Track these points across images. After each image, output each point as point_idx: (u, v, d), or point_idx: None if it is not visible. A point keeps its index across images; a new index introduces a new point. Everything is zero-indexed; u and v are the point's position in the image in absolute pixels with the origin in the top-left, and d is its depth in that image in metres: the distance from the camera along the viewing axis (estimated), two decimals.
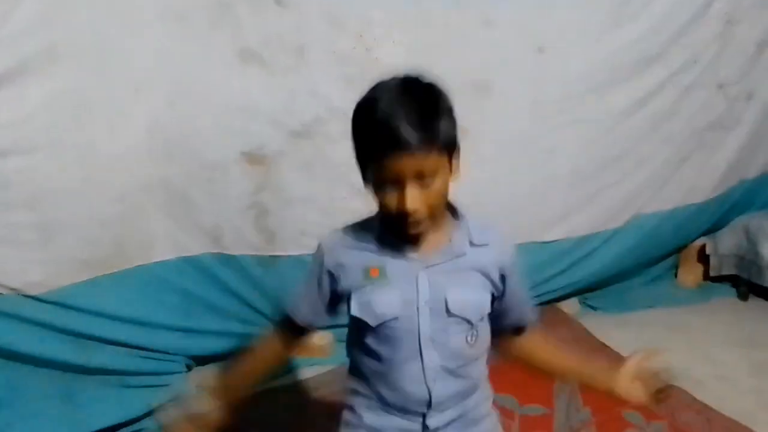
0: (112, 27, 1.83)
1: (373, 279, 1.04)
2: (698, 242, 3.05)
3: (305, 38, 2.06)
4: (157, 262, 2.14)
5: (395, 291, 1.03)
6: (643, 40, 2.34)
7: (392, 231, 1.04)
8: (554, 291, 2.70)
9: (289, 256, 2.31)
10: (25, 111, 1.75)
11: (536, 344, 1.20)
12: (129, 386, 2.11)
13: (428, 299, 1.03)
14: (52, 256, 1.90)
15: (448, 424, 1.11)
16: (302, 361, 2.45)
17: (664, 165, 2.63)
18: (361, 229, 1.09)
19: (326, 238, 1.11)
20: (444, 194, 1.00)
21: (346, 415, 1.19)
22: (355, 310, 1.06)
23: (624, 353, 2.39)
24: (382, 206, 0.99)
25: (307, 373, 2.40)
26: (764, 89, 2.69)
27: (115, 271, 2.05)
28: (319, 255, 1.10)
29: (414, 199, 0.95)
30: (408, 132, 0.91)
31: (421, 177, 0.94)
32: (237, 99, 2.04)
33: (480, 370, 1.15)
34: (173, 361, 2.21)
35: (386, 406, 1.10)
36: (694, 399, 2.20)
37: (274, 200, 2.19)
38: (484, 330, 1.11)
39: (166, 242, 2.13)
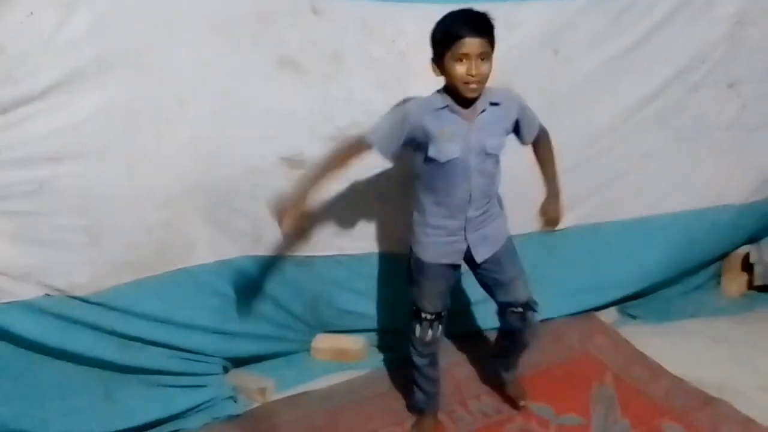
0: (159, 39, 1.89)
1: (443, 135, 1.72)
2: (742, 250, 2.96)
3: (341, 45, 2.10)
4: (196, 266, 2.18)
5: (456, 143, 1.73)
6: (649, 40, 2.37)
7: (455, 98, 1.70)
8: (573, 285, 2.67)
9: (325, 256, 2.34)
10: (76, 119, 1.81)
11: (539, 152, 1.97)
12: (167, 386, 2.16)
13: (474, 146, 1.74)
14: (97, 259, 1.96)
15: (478, 216, 1.85)
16: (336, 365, 2.47)
17: (675, 161, 2.63)
18: (433, 101, 1.73)
19: (412, 103, 1.76)
20: (489, 73, 1.67)
21: (415, 229, 1.92)
22: (432, 153, 1.74)
23: (664, 364, 2.38)
24: (454, 77, 1.65)
25: (340, 377, 2.42)
26: None
27: (158, 273, 2.10)
28: (407, 112, 1.74)
29: (478, 68, 1.62)
30: (476, 28, 1.62)
31: (481, 56, 1.62)
32: (276, 106, 2.08)
33: (496, 183, 1.87)
34: (210, 363, 2.25)
35: (444, 211, 1.83)
36: (737, 411, 2.14)
37: (311, 203, 2.23)
38: (500, 159, 1.82)
39: (206, 246, 2.18)
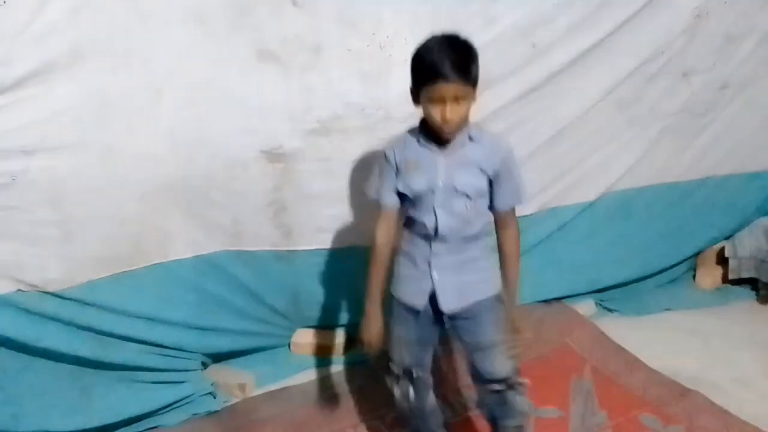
0: (134, 28, 1.86)
1: (409, 166, 1.62)
2: (717, 245, 3.02)
3: (321, 38, 2.08)
4: (174, 260, 2.16)
5: (422, 175, 1.61)
6: (617, 33, 2.42)
7: (431, 136, 1.59)
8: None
9: (306, 251, 2.33)
10: (50, 110, 1.78)
11: (505, 241, 1.69)
12: (144, 382, 2.14)
13: (443, 181, 1.60)
14: (72, 254, 1.93)
15: (450, 257, 1.66)
16: (316, 360, 2.47)
17: (629, 145, 2.72)
18: (409, 133, 1.65)
19: (392, 143, 1.67)
20: (468, 113, 1.54)
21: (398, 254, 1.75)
22: (400, 186, 1.64)
23: (641, 356, 2.41)
24: (429, 118, 1.53)
25: (321, 372, 2.41)
26: (738, 80, 2.76)
27: (134, 268, 2.07)
28: (385, 152, 1.66)
29: (452, 112, 1.49)
30: (453, 70, 1.46)
31: (456, 99, 1.48)
32: (255, 98, 2.07)
33: (476, 228, 1.65)
34: (189, 359, 2.24)
35: (412, 238, 1.69)
36: (712, 403, 2.17)
37: (292, 197, 2.22)
38: (482, 205, 1.65)
39: (183, 240, 2.16)
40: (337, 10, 2.07)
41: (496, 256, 1.69)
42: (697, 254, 3.05)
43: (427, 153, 1.60)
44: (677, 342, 2.58)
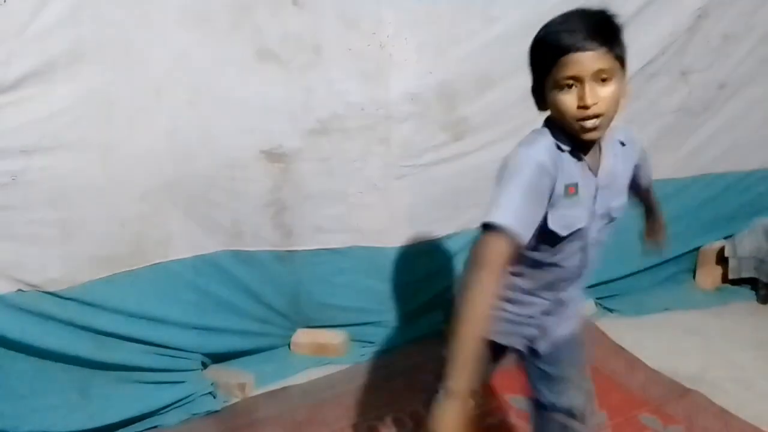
0: (135, 28, 1.86)
1: (570, 196, 1.18)
2: (717, 244, 3.02)
3: (321, 37, 2.08)
4: (173, 260, 2.16)
5: (583, 206, 1.20)
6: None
7: (567, 138, 1.17)
8: None
9: (305, 251, 2.33)
10: (50, 110, 1.78)
11: (648, 196, 1.59)
12: (144, 382, 2.13)
13: (599, 208, 1.23)
14: (72, 253, 1.93)
15: (568, 297, 1.35)
16: (316, 360, 2.46)
17: None
18: (550, 145, 1.17)
19: (539, 148, 1.16)
20: (617, 100, 1.12)
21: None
22: (552, 223, 1.18)
23: (640, 356, 2.41)
24: (562, 113, 1.12)
25: (321, 372, 2.41)
26: (735, 79, 2.77)
27: (133, 268, 2.07)
28: (539, 163, 1.14)
29: (594, 93, 1.08)
30: (585, 33, 1.07)
31: (598, 76, 1.08)
32: (255, 98, 2.07)
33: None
34: (188, 359, 2.23)
35: (529, 285, 1.31)
36: (712, 403, 2.17)
37: (292, 197, 2.22)
38: None
39: (183, 240, 2.16)
40: (338, 10, 2.07)
41: None
42: (693, 251, 3.06)
43: (583, 171, 1.19)
44: (677, 342, 2.58)
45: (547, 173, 1.13)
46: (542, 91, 1.15)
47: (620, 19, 1.12)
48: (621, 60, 1.11)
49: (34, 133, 1.77)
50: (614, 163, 1.24)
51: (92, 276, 1.99)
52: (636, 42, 2.46)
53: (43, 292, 1.91)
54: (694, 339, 2.60)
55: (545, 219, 1.17)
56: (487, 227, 1.10)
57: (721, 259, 3.01)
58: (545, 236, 1.20)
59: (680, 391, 2.24)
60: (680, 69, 2.64)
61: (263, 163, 2.13)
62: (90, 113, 1.84)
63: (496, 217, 1.09)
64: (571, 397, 1.41)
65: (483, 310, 1.09)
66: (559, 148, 1.16)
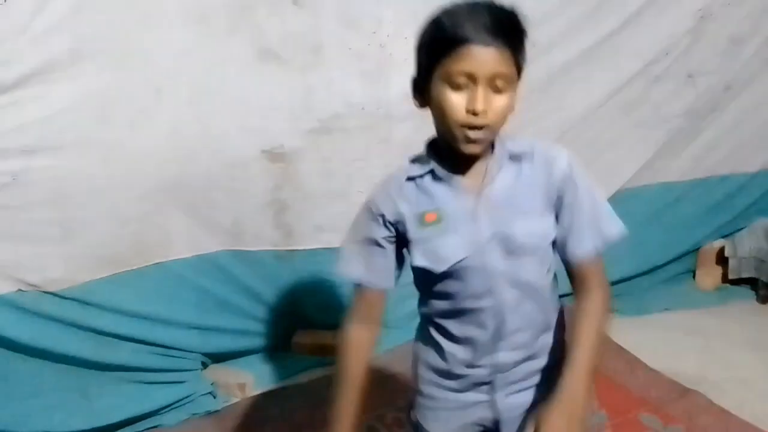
0: (135, 28, 1.86)
1: (431, 225, 1.01)
2: (717, 244, 3.01)
3: (321, 37, 2.08)
4: (174, 260, 2.16)
5: (456, 233, 1.00)
6: (620, 33, 2.42)
7: (446, 156, 1.00)
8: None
9: (306, 250, 2.33)
10: (50, 110, 1.78)
11: (585, 312, 1.03)
12: (145, 382, 2.13)
13: (491, 233, 1.00)
14: (72, 253, 1.93)
15: (518, 361, 1.08)
16: (316, 360, 2.46)
17: (633, 148, 2.72)
18: (407, 170, 1.04)
19: (376, 190, 1.07)
20: (507, 114, 0.96)
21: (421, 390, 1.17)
22: (418, 260, 1.03)
23: (641, 356, 2.41)
24: (444, 114, 0.94)
25: (321, 372, 2.41)
26: (740, 81, 2.76)
27: (134, 268, 2.08)
28: (368, 204, 1.06)
29: (487, 101, 0.91)
30: (492, 27, 0.90)
31: (493, 82, 0.92)
32: (256, 98, 2.07)
33: (555, 303, 1.11)
34: (188, 358, 2.24)
35: (456, 351, 1.08)
36: (712, 403, 2.17)
37: (293, 196, 2.22)
38: (549, 258, 1.06)
39: (183, 240, 2.16)
40: (338, 9, 2.07)
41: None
42: (693, 251, 3.06)
43: (450, 192, 1.01)
44: (677, 342, 2.58)
45: (374, 213, 1.04)
46: (426, 84, 0.96)
47: (524, 25, 0.97)
48: (519, 69, 0.96)
49: (34, 133, 1.77)
50: (507, 179, 1.01)
51: (92, 276, 1.99)
52: (636, 42, 2.47)
53: (43, 291, 1.92)
54: (694, 339, 2.60)
55: (412, 258, 1.04)
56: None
57: (721, 259, 3.00)
58: (428, 278, 1.04)
59: (680, 391, 2.24)
60: (686, 72, 2.63)
61: (264, 163, 2.13)
62: (90, 113, 1.84)
63: (340, 268, 1.09)
64: None
65: (352, 366, 1.10)
66: (410, 178, 1.03)
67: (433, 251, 1.01)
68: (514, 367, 1.08)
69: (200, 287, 2.23)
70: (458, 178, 1.01)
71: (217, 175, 2.11)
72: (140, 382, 2.13)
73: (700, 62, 2.63)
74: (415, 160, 1.06)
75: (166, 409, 2.15)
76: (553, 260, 1.07)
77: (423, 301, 1.12)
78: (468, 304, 1.04)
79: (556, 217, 1.04)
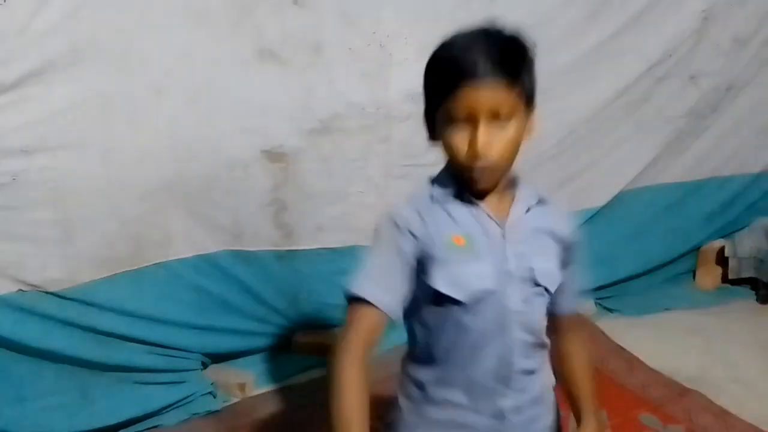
0: (134, 28, 1.86)
1: (458, 248, 0.95)
2: (717, 244, 3.02)
3: (322, 36, 2.08)
4: (174, 260, 2.16)
5: (486, 262, 0.95)
6: (622, 34, 2.43)
7: (465, 181, 0.96)
8: None
9: (306, 251, 2.33)
10: (50, 110, 1.78)
11: (570, 346, 1.13)
12: (145, 383, 2.13)
13: (516, 269, 0.97)
14: (72, 254, 1.93)
15: (520, 405, 1.02)
16: (316, 360, 2.46)
17: (637, 149, 2.73)
18: (431, 190, 1.00)
19: (398, 205, 1.00)
20: (517, 144, 0.93)
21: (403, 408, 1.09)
22: (442, 285, 0.95)
23: (640, 356, 2.41)
24: (451, 154, 0.94)
25: (321, 372, 2.41)
26: (742, 82, 2.78)
27: (134, 268, 2.07)
28: (394, 219, 0.98)
29: (486, 138, 0.89)
30: (486, 62, 0.88)
31: (496, 116, 0.89)
32: (256, 98, 2.07)
33: (545, 341, 1.06)
34: (189, 358, 2.23)
35: (456, 397, 1.01)
36: (712, 403, 2.18)
37: (292, 196, 2.22)
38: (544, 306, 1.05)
39: (183, 240, 2.16)
40: (338, 9, 2.07)
41: None
42: (693, 251, 3.05)
43: (477, 218, 0.98)
44: (677, 342, 2.58)
45: (401, 227, 0.97)
46: (434, 120, 0.96)
47: (532, 49, 0.97)
48: (528, 95, 0.95)
49: (34, 133, 1.77)
50: (531, 216, 1.00)
51: (93, 276, 1.99)
52: (640, 44, 2.47)
53: (43, 292, 1.91)
54: (694, 339, 2.60)
55: (427, 281, 0.96)
56: (350, 300, 0.98)
57: (721, 259, 3.01)
58: (438, 310, 0.97)
59: (680, 391, 2.24)
60: (689, 73, 2.64)
61: (264, 163, 2.13)
62: (90, 113, 1.84)
63: (355, 286, 0.97)
64: None
65: (351, 405, 0.95)
66: (432, 198, 0.99)
67: (457, 276, 0.95)
68: (519, 415, 1.03)
69: (200, 287, 2.23)
70: (483, 205, 0.98)
71: (217, 175, 2.11)
72: (140, 382, 2.12)
73: (703, 63, 2.63)
74: (436, 180, 1.02)
75: (166, 409, 2.15)
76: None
77: (419, 351, 1.04)
78: (473, 342, 0.98)
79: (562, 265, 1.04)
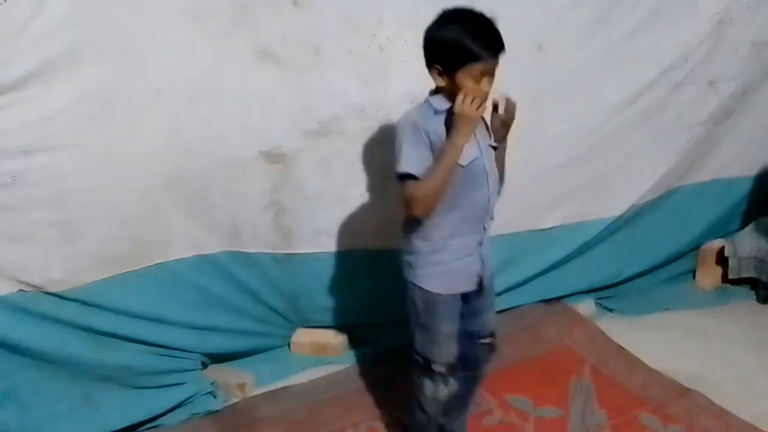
0: (134, 28, 1.86)
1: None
2: (717, 244, 3.02)
3: (321, 38, 2.08)
4: (174, 260, 2.16)
5: (473, 144, 1.59)
6: (633, 38, 2.40)
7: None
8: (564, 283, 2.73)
9: (304, 254, 2.32)
10: (50, 110, 1.77)
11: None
12: (145, 387, 2.13)
13: (483, 144, 1.64)
14: (73, 254, 1.93)
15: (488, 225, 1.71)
16: (316, 360, 2.46)
17: (657, 157, 2.68)
18: (432, 104, 1.59)
19: (411, 114, 1.60)
20: None
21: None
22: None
23: (640, 356, 2.41)
24: (467, 92, 1.50)
25: (320, 372, 2.41)
26: (759, 87, 2.75)
27: (135, 269, 2.07)
28: (413, 123, 1.56)
29: (490, 83, 1.54)
30: (497, 44, 1.52)
31: (492, 73, 1.53)
32: (255, 98, 2.06)
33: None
34: (189, 359, 2.23)
35: (465, 227, 1.65)
36: (712, 403, 2.18)
37: (291, 198, 2.22)
38: None
39: (184, 240, 2.16)
40: (338, 11, 2.07)
41: None
42: (693, 251, 3.05)
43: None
44: (677, 342, 2.58)
45: (419, 127, 1.55)
46: (452, 74, 1.52)
47: None
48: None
49: (34, 133, 1.77)
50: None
51: (94, 276, 1.99)
52: (651, 47, 2.42)
53: (44, 292, 1.91)
54: (694, 339, 2.60)
55: None
56: (401, 177, 1.55)
57: (721, 259, 3.00)
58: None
59: (680, 391, 2.24)
60: (707, 78, 2.60)
61: (262, 164, 2.12)
62: (90, 113, 1.84)
63: (402, 167, 1.54)
64: (491, 322, 1.81)
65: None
66: (435, 111, 1.58)
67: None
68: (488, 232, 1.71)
69: (201, 287, 2.23)
70: None
71: (216, 176, 2.11)
72: (141, 387, 2.12)
73: (721, 68, 2.58)
74: (433, 102, 1.60)
75: (168, 410, 2.15)
76: None
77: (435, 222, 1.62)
78: (473, 185, 1.61)
79: None
